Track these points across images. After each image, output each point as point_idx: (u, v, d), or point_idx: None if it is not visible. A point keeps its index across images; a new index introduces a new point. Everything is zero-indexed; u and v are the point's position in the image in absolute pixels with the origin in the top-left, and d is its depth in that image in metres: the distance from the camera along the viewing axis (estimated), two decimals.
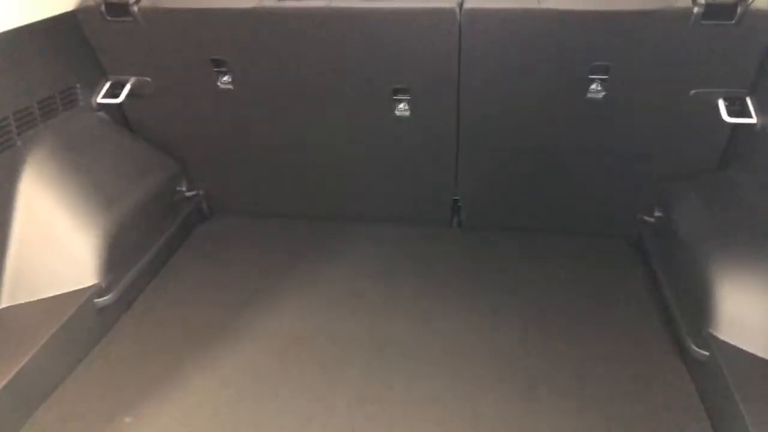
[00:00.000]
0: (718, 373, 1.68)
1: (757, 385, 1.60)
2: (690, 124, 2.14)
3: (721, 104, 2.02)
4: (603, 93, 2.08)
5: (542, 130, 2.26)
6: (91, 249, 2.06)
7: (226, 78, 2.27)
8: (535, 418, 1.75)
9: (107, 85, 2.35)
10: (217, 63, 2.22)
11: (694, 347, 1.80)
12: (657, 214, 2.34)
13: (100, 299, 2.04)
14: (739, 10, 1.81)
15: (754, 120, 1.98)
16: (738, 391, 1.59)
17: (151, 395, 1.85)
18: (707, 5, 1.82)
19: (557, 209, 2.55)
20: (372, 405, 1.81)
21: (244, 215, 2.78)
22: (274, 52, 2.14)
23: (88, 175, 2.17)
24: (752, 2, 1.81)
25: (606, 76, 2.04)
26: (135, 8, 2.09)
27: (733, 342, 1.72)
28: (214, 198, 2.76)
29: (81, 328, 1.98)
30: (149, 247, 2.34)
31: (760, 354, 1.68)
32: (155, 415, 1.78)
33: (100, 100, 2.33)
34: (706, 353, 1.76)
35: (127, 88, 2.33)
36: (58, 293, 1.98)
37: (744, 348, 1.70)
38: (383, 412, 1.79)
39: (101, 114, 2.38)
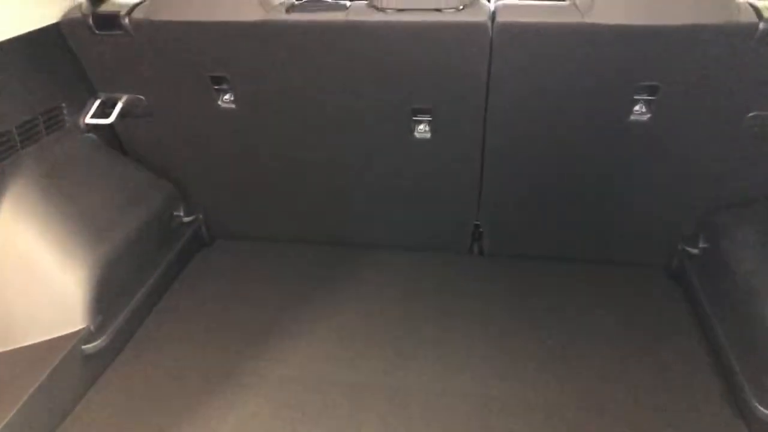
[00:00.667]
0: None
1: None
2: (743, 150, 1.92)
3: None
4: (648, 115, 1.87)
5: (577, 153, 2.05)
6: (78, 289, 1.85)
7: (227, 96, 2.05)
8: None
9: (96, 103, 2.13)
10: (217, 80, 2.01)
11: (758, 406, 1.60)
12: (702, 245, 2.12)
13: (89, 345, 1.84)
14: None
15: None
16: None
17: None
18: None
19: (589, 237, 2.34)
20: None
21: (247, 241, 2.56)
22: (281, 68, 1.93)
23: (75, 205, 1.95)
24: None
25: (653, 97, 1.83)
26: (126, 20, 1.87)
27: None
28: (215, 223, 2.54)
29: (67, 377, 1.78)
30: (144, 282, 2.13)
31: None
32: None
33: (88, 120, 2.11)
34: None
35: (119, 106, 2.10)
36: (41, 340, 1.78)
37: None
38: None
39: (90, 135, 2.16)
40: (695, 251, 2.14)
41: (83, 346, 1.82)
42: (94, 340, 1.85)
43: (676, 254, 2.24)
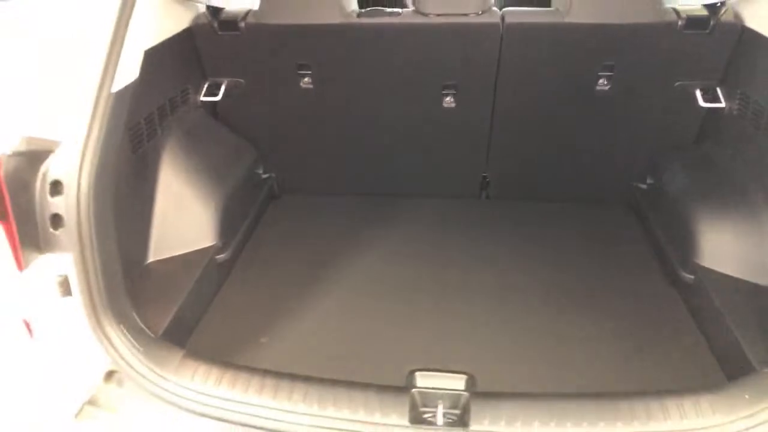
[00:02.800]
0: (703, 291, 2.27)
1: (734, 298, 2.18)
2: (675, 109, 2.74)
3: (698, 93, 2.61)
4: (608, 86, 2.67)
5: (559, 117, 2.85)
6: (210, 216, 2.56)
7: (307, 79, 2.80)
8: (560, 328, 2.33)
9: (206, 86, 2.86)
10: (302, 66, 2.76)
11: (683, 273, 2.40)
12: (649, 181, 2.94)
13: (219, 256, 2.55)
14: (711, 21, 2.42)
15: (723, 105, 2.57)
16: (720, 304, 2.16)
17: (276, 322, 2.39)
18: (688, 18, 2.43)
19: (569, 181, 3.13)
20: (442, 334, 2.34)
21: (309, 194, 3.29)
22: (350, 56, 2.69)
23: (203, 159, 2.67)
24: (722, 15, 2.42)
25: (611, 73, 2.63)
26: (242, 24, 2.63)
27: (713, 267, 2.31)
28: (283, 180, 3.28)
29: (209, 277, 2.49)
30: (245, 218, 2.87)
31: (734, 274, 2.26)
32: (285, 335, 2.32)
33: (202, 98, 2.84)
34: (692, 277, 2.35)
35: (223, 88, 2.84)
36: (189, 251, 2.49)
37: (721, 271, 2.29)
38: (450, 336, 2.32)
39: (202, 110, 2.90)
40: (645, 187, 2.96)
41: (216, 257, 2.55)
42: (222, 253, 2.58)
43: (633, 191, 3.05)
